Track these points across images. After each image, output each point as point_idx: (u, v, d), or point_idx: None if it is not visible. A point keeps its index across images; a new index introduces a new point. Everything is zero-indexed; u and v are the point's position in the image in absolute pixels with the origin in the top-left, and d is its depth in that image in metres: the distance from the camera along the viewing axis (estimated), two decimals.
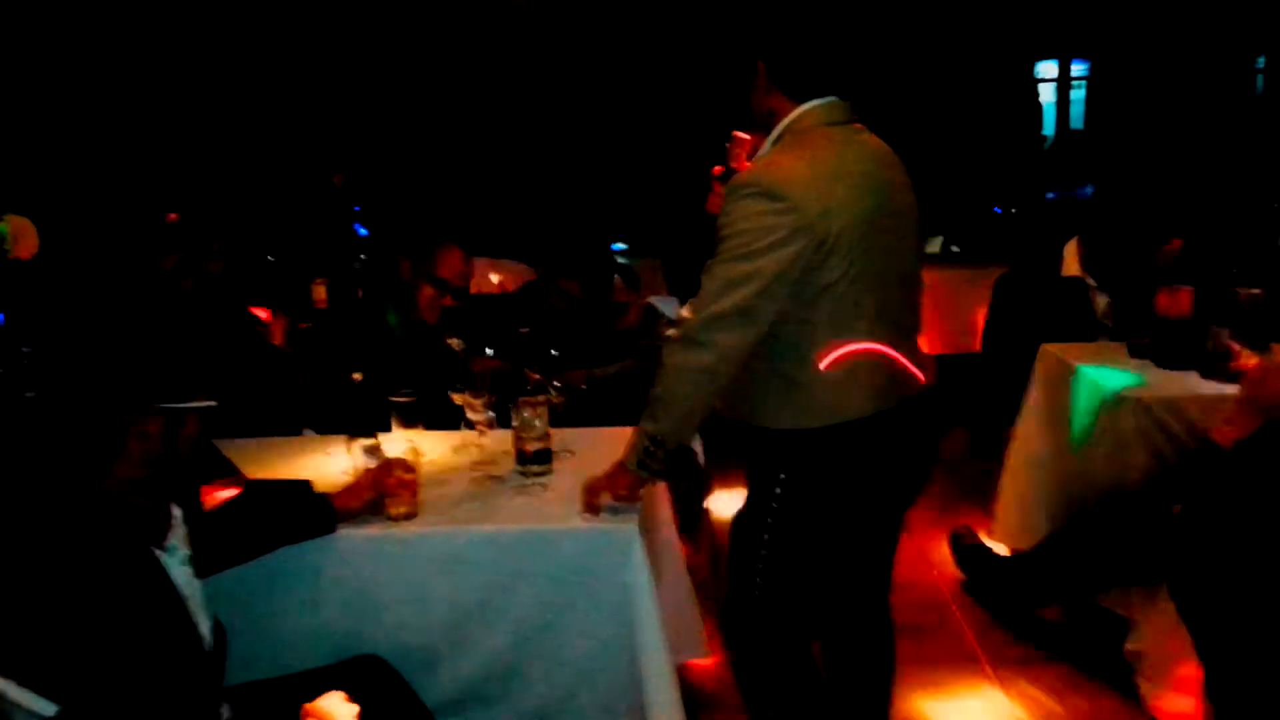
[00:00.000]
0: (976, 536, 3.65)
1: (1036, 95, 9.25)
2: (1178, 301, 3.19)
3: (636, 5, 7.64)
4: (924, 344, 2.24)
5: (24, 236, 2.47)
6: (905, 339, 2.09)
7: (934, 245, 6.63)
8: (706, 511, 3.58)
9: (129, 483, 1.53)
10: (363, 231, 5.30)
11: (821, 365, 1.97)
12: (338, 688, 1.77)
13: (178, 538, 1.60)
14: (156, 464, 1.54)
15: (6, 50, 3.76)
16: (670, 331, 2.10)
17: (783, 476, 2.04)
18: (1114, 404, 3.06)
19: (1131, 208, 4.26)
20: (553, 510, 2.19)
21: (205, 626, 1.62)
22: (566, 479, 2.32)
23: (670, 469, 2.13)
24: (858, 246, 1.92)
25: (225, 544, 1.88)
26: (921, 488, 2.24)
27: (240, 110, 5.50)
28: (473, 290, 3.58)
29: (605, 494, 2.11)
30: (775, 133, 2.04)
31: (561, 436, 2.51)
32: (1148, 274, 3.79)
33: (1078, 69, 9.47)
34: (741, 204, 1.91)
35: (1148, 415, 2.98)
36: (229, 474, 2.33)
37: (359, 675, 1.95)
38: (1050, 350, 3.58)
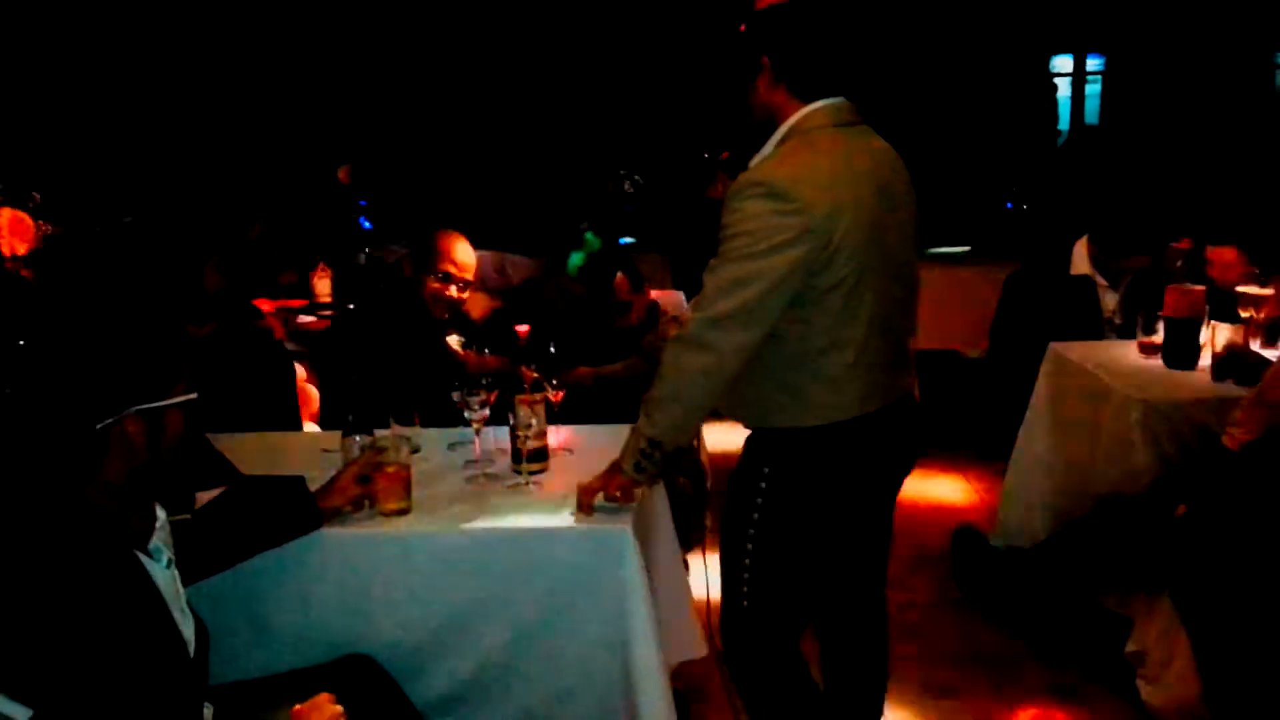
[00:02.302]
0: (978, 535, 3.62)
1: (1052, 90, 9.17)
2: (1187, 302, 3.14)
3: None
4: (932, 342, 2.22)
5: (17, 230, 2.47)
6: (900, 341, 2.08)
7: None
8: (706, 510, 3.56)
9: (111, 487, 1.51)
10: (367, 225, 5.29)
11: (814, 366, 1.95)
12: (326, 688, 1.75)
13: (161, 539, 1.59)
14: (140, 467, 1.52)
15: (9, 48, 3.76)
16: (672, 331, 2.08)
17: (767, 471, 2.03)
18: (1120, 404, 3.02)
19: (1143, 205, 4.21)
20: (547, 510, 2.17)
21: (189, 629, 1.60)
22: (563, 477, 2.30)
23: (668, 469, 2.11)
24: (861, 250, 1.90)
25: (208, 548, 1.86)
26: (899, 485, 2.22)
27: (245, 104, 5.49)
28: (477, 283, 3.56)
29: (599, 494, 2.09)
30: (780, 132, 2.01)
31: (560, 434, 2.49)
32: (1158, 273, 3.74)
33: (1093, 63, 9.38)
34: (748, 204, 1.88)
35: (1154, 416, 2.94)
36: (222, 469, 2.33)
37: (348, 675, 1.94)
38: (1058, 349, 3.55)
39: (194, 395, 1.55)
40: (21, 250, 2.48)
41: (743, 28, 2.06)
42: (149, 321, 1.54)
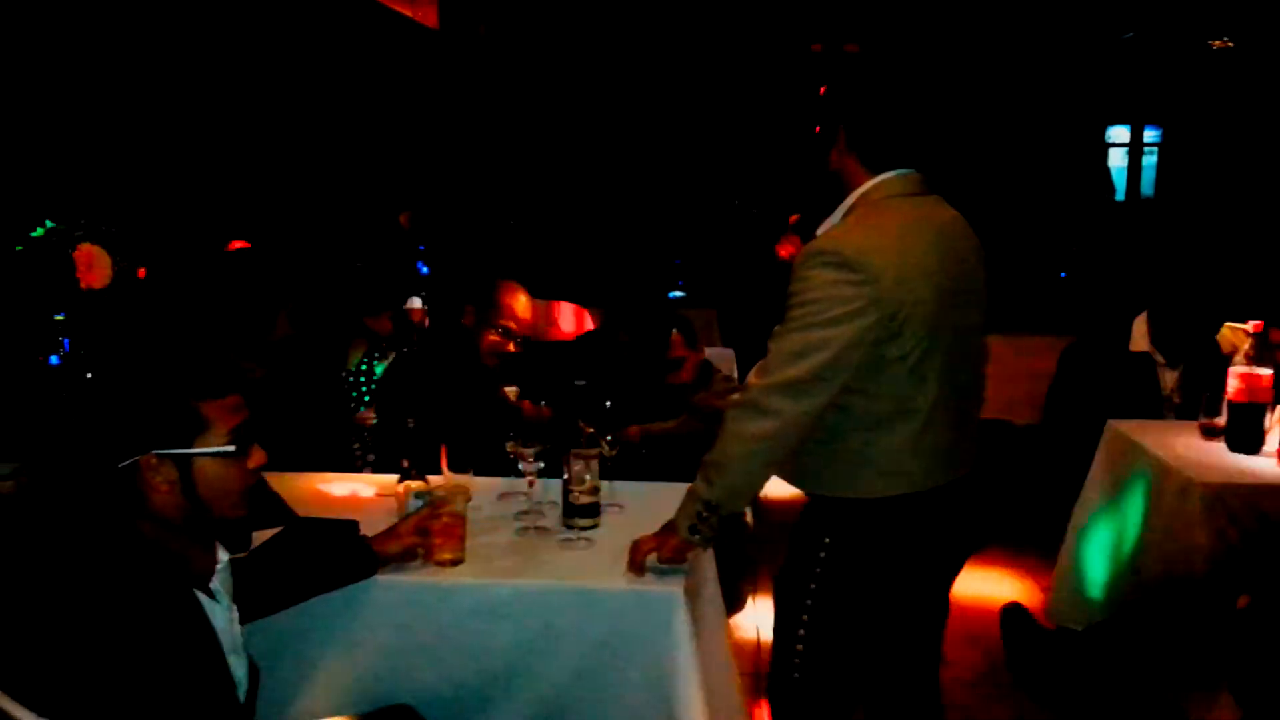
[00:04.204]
0: (1029, 614, 3.54)
1: (1106, 160, 9.13)
2: (1253, 385, 3.08)
3: (708, 58, 7.71)
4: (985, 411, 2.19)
5: (96, 265, 2.53)
6: (967, 415, 2.05)
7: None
8: (755, 578, 3.52)
9: (169, 524, 1.52)
10: (424, 270, 5.36)
11: (880, 437, 1.93)
12: None
13: (221, 581, 1.60)
14: (184, 508, 1.53)
15: (81, 88, 3.88)
16: (733, 396, 2.07)
17: (827, 541, 2.00)
18: (1181, 487, 2.95)
19: (1204, 282, 4.15)
20: (597, 567, 2.16)
21: (241, 670, 1.61)
22: (613, 534, 2.28)
23: (721, 533, 2.09)
24: (928, 321, 1.89)
25: (263, 589, 1.87)
26: (963, 562, 2.19)
27: (311, 149, 5.61)
28: (533, 335, 3.58)
29: (652, 554, 2.07)
30: (849, 201, 2.02)
31: (611, 490, 2.48)
32: (1220, 353, 3.67)
33: (1150, 135, 9.34)
34: (816, 272, 1.88)
35: (1217, 501, 2.87)
36: (278, 509, 2.34)
37: None
38: (1116, 427, 3.48)
39: (231, 449, 1.55)
40: (98, 285, 2.55)
41: (822, 90, 2.08)
42: (166, 371, 1.55)
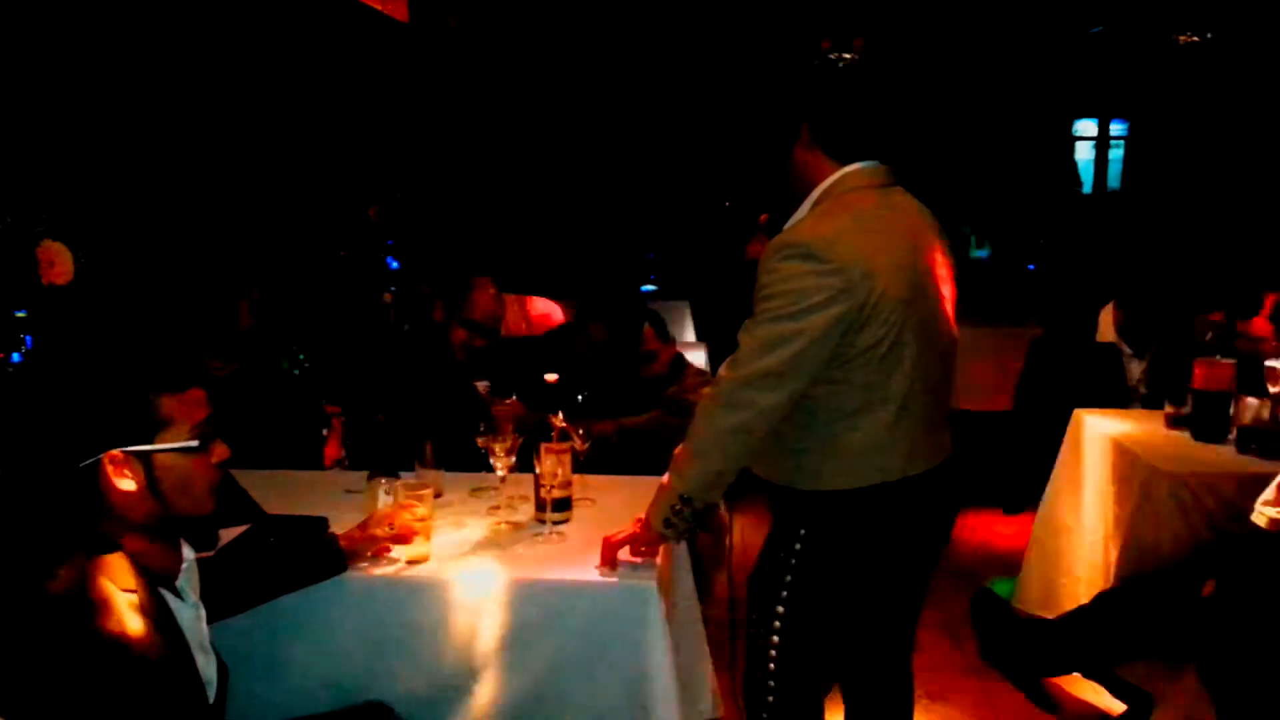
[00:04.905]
0: (1000, 600, 3.57)
1: (1073, 153, 9.21)
2: (1217, 375, 3.12)
3: (679, 53, 7.70)
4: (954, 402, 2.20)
5: (58, 261, 2.49)
6: (939, 404, 2.06)
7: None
8: (727, 567, 3.52)
9: (133, 525, 1.50)
10: (394, 265, 5.32)
11: (853, 427, 1.94)
12: None
13: (187, 579, 1.58)
14: (147, 506, 1.51)
15: (41, 80, 3.81)
16: (704, 390, 2.07)
17: (803, 533, 2.01)
18: (1147, 475, 2.99)
19: (1171, 274, 4.21)
20: (570, 561, 2.15)
21: (210, 669, 1.59)
22: (586, 528, 2.29)
23: (694, 526, 2.09)
24: (897, 311, 1.90)
25: (231, 588, 1.85)
26: (939, 553, 2.20)
27: (276, 141, 5.55)
28: (502, 330, 3.57)
29: (624, 549, 2.07)
30: (815, 194, 2.02)
31: (583, 483, 2.48)
32: (1185, 343, 3.72)
33: (1117, 129, 9.42)
34: (784, 265, 1.89)
35: (1183, 489, 2.91)
36: (246, 507, 2.32)
37: None
38: (1083, 416, 3.52)
39: (194, 444, 1.53)
40: (60, 282, 2.51)
41: (780, 90, 2.08)
42: (125, 366, 1.52)
